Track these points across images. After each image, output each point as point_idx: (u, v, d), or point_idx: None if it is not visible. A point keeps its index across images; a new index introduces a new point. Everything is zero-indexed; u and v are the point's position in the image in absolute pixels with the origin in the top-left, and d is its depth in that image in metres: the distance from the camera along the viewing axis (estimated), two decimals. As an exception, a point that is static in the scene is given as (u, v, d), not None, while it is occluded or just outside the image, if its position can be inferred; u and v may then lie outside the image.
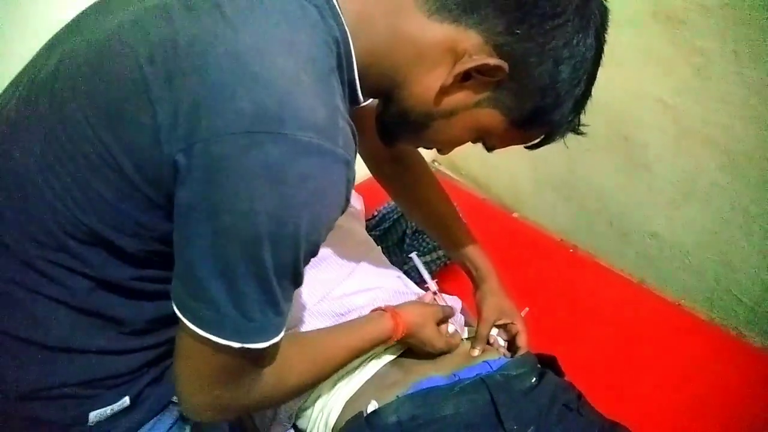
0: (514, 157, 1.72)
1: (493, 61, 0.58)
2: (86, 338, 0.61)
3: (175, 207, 0.53)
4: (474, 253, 1.02)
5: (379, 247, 1.25)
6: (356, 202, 1.43)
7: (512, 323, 0.97)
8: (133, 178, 0.53)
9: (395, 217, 1.43)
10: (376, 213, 1.46)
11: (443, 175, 1.73)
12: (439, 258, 1.36)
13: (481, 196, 1.63)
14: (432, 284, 1.02)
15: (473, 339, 0.94)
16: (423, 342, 0.86)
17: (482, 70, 0.60)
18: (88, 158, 0.54)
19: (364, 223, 1.39)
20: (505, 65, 0.59)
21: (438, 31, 0.60)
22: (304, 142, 0.49)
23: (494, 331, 0.97)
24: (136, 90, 0.52)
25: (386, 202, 1.46)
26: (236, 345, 0.54)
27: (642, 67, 1.21)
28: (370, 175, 1.09)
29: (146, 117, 0.51)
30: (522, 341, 0.96)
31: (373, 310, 0.87)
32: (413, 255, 1.05)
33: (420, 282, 1.32)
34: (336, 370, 0.77)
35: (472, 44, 0.59)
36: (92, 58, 0.56)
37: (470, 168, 1.85)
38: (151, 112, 0.51)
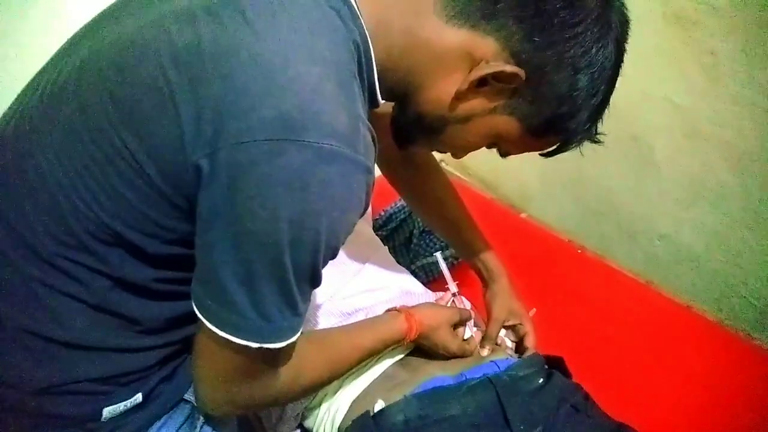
0: (522, 157, 1.71)
1: (510, 68, 0.59)
2: (103, 336, 0.62)
3: (198, 211, 0.54)
4: (485, 253, 1.03)
5: (386, 246, 1.25)
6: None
7: (521, 324, 0.98)
8: (155, 181, 0.54)
9: (402, 216, 1.43)
10: (383, 212, 1.47)
11: (451, 175, 1.71)
12: (446, 258, 1.35)
13: (489, 196, 1.63)
14: (453, 285, 1.01)
15: (482, 338, 0.95)
16: (436, 345, 0.87)
17: (499, 76, 0.60)
18: (111, 160, 0.55)
19: (371, 223, 1.39)
20: (522, 72, 0.59)
21: (455, 37, 0.60)
22: (326, 150, 0.50)
23: (503, 332, 0.98)
24: (160, 94, 0.52)
25: (393, 202, 1.46)
26: (255, 345, 0.55)
27: (651, 67, 1.20)
28: (378, 173, 1.09)
29: (170, 121, 0.52)
30: (530, 342, 0.96)
31: (387, 310, 0.87)
32: (438, 254, 1.04)
33: (428, 282, 1.32)
34: (350, 368, 0.78)
35: (489, 50, 0.60)
36: (115, 61, 0.56)
37: (478, 168, 1.85)
38: (175, 117, 0.52)
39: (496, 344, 0.95)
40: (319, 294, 1.01)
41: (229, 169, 0.50)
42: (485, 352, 0.92)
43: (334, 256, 0.58)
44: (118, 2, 0.65)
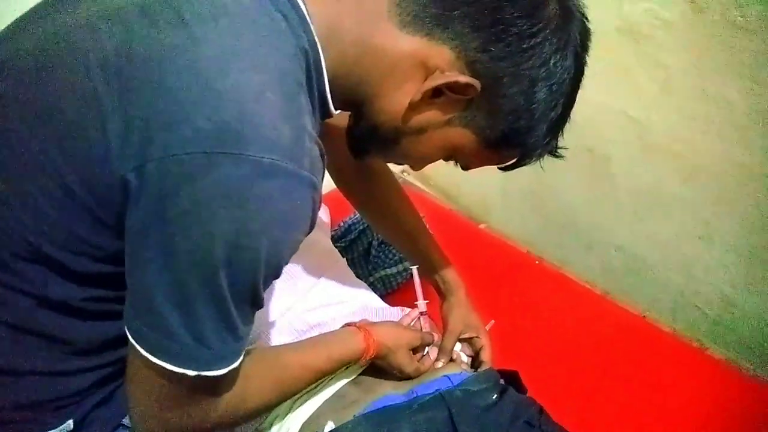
0: (482, 168, 1.72)
1: (464, 78, 0.57)
2: (28, 358, 0.58)
3: (127, 229, 0.50)
4: (441, 265, 1.01)
5: (345, 258, 1.23)
6: (322, 212, 1.40)
7: (477, 337, 0.96)
8: (80, 195, 0.50)
9: (361, 228, 1.41)
10: (342, 224, 1.44)
11: (412, 186, 1.72)
12: (405, 270, 1.34)
13: (449, 207, 1.63)
14: (422, 304, 0.99)
15: (437, 352, 0.93)
16: (391, 365, 0.84)
17: (453, 87, 0.58)
18: (31, 172, 0.51)
19: (329, 234, 1.37)
20: (476, 83, 0.57)
21: (409, 45, 0.58)
22: (266, 164, 0.47)
23: (458, 346, 0.96)
24: (86, 102, 0.49)
25: (352, 213, 1.44)
26: (192, 373, 0.52)
27: (606, 80, 1.22)
28: (334, 186, 1.07)
29: (96, 131, 0.48)
30: (486, 356, 0.95)
31: (345, 325, 0.84)
32: (414, 269, 1.01)
33: (386, 294, 1.31)
34: (302, 389, 0.75)
35: (444, 60, 0.57)
36: (38, 63, 0.53)
37: (439, 178, 1.84)
38: (102, 127, 0.48)
39: (452, 359, 0.93)
40: (273, 309, 0.98)
41: (160, 183, 0.47)
42: (439, 364, 0.90)
43: (277, 275, 0.55)
44: None
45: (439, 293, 1.03)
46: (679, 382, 1.10)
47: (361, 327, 0.81)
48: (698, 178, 1.17)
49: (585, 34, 0.61)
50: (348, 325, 0.84)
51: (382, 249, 1.38)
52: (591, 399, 1.08)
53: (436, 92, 0.59)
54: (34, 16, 0.59)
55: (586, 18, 0.62)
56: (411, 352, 0.86)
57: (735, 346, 1.22)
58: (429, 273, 1.03)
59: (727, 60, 1.02)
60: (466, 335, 0.96)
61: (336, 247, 1.30)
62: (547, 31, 0.57)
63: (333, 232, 1.42)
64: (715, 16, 1.00)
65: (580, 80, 0.63)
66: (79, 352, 0.60)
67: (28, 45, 0.54)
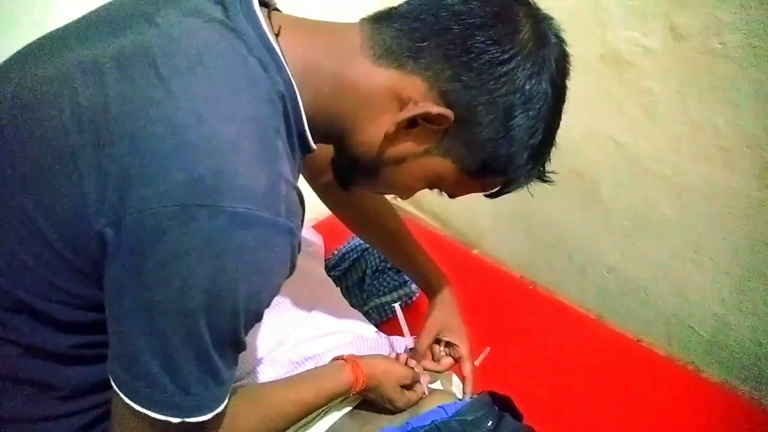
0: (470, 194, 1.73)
1: (436, 109, 0.57)
2: (15, 406, 0.57)
3: (105, 281, 0.50)
4: (427, 267, 1.01)
5: (339, 287, 1.23)
6: (316, 241, 1.41)
7: (456, 345, 0.94)
8: (58, 247, 0.50)
9: (356, 256, 1.42)
10: (336, 252, 1.45)
11: (404, 212, 1.73)
12: (399, 297, 1.34)
13: (442, 233, 1.63)
14: (409, 340, 0.99)
15: (411, 352, 0.91)
16: (383, 399, 0.83)
17: (427, 117, 0.58)
18: (10, 224, 0.51)
19: (323, 263, 1.37)
20: (449, 113, 0.57)
21: (383, 78, 0.58)
22: (241, 214, 0.47)
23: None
24: (61, 157, 0.49)
25: (346, 241, 1.45)
26: (175, 420, 0.51)
27: (592, 106, 1.24)
28: (330, 213, 1.07)
29: (71, 186, 0.49)
30: (467, 370, 0.93)
31: (334, 359, 0.84)
32: (396, 306, 1.01)
33: (381, 323, 1.31)
34: (292, 423, 0.74)
35: (416, 91, 0.57)
36: (16, 115, 0.53)
37: (430, 203, 1.85)
38: (77, 182, 0.48)
39: (435, 370, 0.92)
40: (267, 342, 0.97)
41: (137, 236, 0.47)
42: (413, 363, 0.88)
43: (258, 319, 0.55)
44: (31, 43, 0.60)
45: (426, 294, 1.03)
46: (675, 406, 1.10)
47: (350, 360, 0.81)
48: (687, 201, 1.18)
49: (562, 59, 0.60)
50: (337, 358, 0.83)
51: (377, 277, 1.38)
52: (588, 424, 1.08)
53: (412, 123, 0.59)
54: (12, 65, 0.59)
55: (563, 42, 0.61)
56: (400, 388, 0.85)
57: (730, 367, 1.22)
58: (414, 274, 1.03)
59: (709, 85, 1.04)
60: (445, 337, 0.95)
61: (330, 275, 1.30)
62: (520, 57, 0.56)
63: (327, 261, 1.42)
64: (695, 43, 1.02)
65: (560, 105, 0.62)
66: (67, 396, 0.60)
67: (7, 95, 0.55)
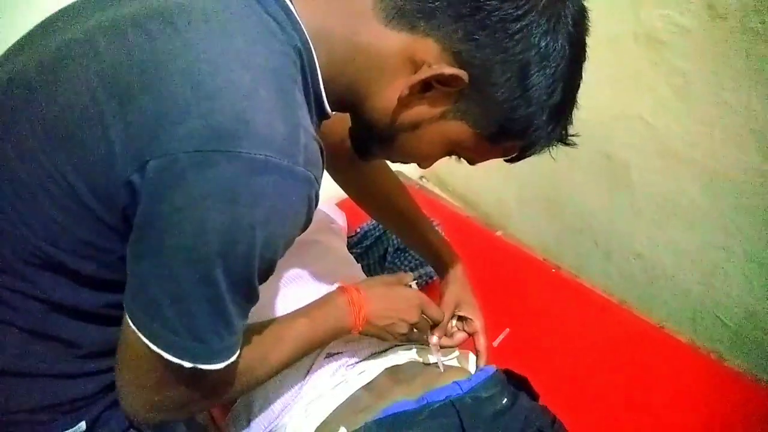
0: (499, 173, 1.72)
1: (450, 70, 0.55)
2: (39, 362, 0.60)
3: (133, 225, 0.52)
4: (438, 244, 1.00)
5: (360, 264, 1.24)
6: (339, 218, 1.41)
7: (470, 319, 0.95)
8: (87, 201, 0.52)
9: (377, 234, 1.42)
10: (358, 230, 1.45)
11: (429, 192, 1.72)
12: (420, 276, 1.34)
13: (466, 214, 1.62)
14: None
15: (433, 327, 0.90)
16: (388, 300, 0.82)
17: (441, 80, 0.57)
18: (40, 181, 0.53)
19: (345, 240, 1.37)
20: (463, 74, 0.56)
21: (395, 41, 0.57)
22: (259, 161, 0.48)
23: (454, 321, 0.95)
24: (88, 112, 0.50)
25: (369, 219, 1.45)
26: (188, 365, 0.53)
27: (623, 86, 1.21)
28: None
29: (99, 139, 0.50)
30: (481, 344, 0.93)
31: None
32: (413, 284, 0.98)
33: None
34: (290, 359, 0.73)
35: (429, 53, 0.56)
36: (42, 78, 0.55)
37: (456, 184, 1.84)
38: (104, 134, 0.50)
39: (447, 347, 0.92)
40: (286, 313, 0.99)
41: (157, 181, 0.48)
42: (434, 339, 0.88)
43: (271, 270, 0.56)
44: (52, 15, 0.62)
45: (437, 271, 1.03)
46: (697, 394, 1.08)
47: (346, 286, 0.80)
48: (717, 186, 1.15)
49: (579, 14, 0.58)
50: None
51: (398, 255, 1.38)
52: (606, 409, 1.07)
53: (426, 86, 0.58)
54: (38, 33, 0.61)
55: None
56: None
57: (756, 358, 1.20)
58: (425, 252, 1.02)
59: (746, 67, 1.00)
60: (461, 312, 0.95)
61: (352, 253, 1.30)
62: (534, 13, 0.54)
63: (349, 238, 1.43)
64: (733, 23, 0.99)
65: (579, 63, 0.60)
66: (91, 355, 0.62)
67: (33, 61, 0.56)
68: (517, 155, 0.66)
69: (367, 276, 1.20)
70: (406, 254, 1.38)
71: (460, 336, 0.95)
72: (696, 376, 1.12)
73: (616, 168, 1.34)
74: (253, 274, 0.53)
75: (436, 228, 1.02)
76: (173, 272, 0.50)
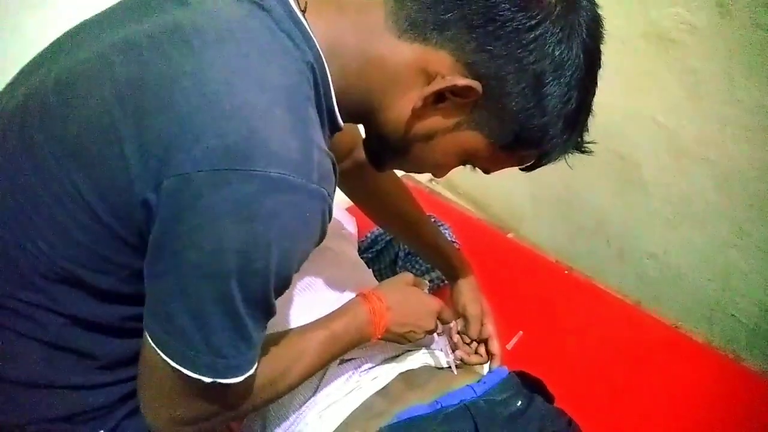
0: (511, 175, 1.71)
1: (463, 81, 0.55)
2: (60, 373, 0.60)
3: (149, 243, 0.52)
4: (448, 250, 1.01)
5: (371, 269, 1.24)
6: (349, 224, 1.41)
7: (484, 325, 0.95)
8: (105, 218, 0.53)
9: (388, 238, 1.42)
10: (368, 235, 1.45)
11: (439, 195, 1.72)
12: (432, 280, 1.34)
13: (477, 217, 1.62)
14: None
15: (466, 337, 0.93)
16: (406, 301, 0.83)
17: (455, 91, 0.57)
18: (59, 199, 0.53)
19: (356, 246, 1.38)
20: (477, 85, 0.56)
21: (408, 52, 0.57)
22: (274, 179, 0.48)
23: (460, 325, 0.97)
24: (105, 131, 0.51)
25: (379, 224, 1.44)
26: (207, 380, 0.53)
27: (634, 86, 1.20)
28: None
29: (116, 157, 0.51)
30: (494, 347, 0.93)
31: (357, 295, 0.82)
32: (426, 288, 1.01)
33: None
34: (311, 370, 0.73)
35: (443, 65, 0.56)
36: (59, 96, 0.55)
37: (467, 187, 1.84)
38: (120, 154, 0.50)
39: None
40: (299, 322, 0.98)
41: (173, 200, 0.49)
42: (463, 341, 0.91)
43: (287, 284, 0.56)
44: (68, 31, 0.63)
45: (447, 278, 1.03)
46: (714, 395, 1.07)
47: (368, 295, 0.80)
48: (731, 185, 1.14)
49: (593, 23, 0.58)
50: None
51: (409, 260, 1.38)
52: (623, 411, 1.06)
53: (440, 97, 0.58)
54: (54, 51, 0.62)
55: (595, 5, 0.58)
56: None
57: (774, 358, 1.18)
58: (436, 259, 1.03)
59: (757, 64, 1.00)
60: (467, 313, 0.96)
61: (362, 258, 1.30)
62: (548, 22, 0.54)
63: (360, 243, 1.43)
64: (744, 19, 0.98)
65: (594, 71, 0.60)
66: (109, 366, 0.63)
67: (50, 80, 0.57)
68: (532, 164, 0.66)
69: (378, 281, 1.20)
70: (417, 258, 1.38)
71: (477, 358, 0.95)
72: (713, 376, 1.11)
73: (628, 168, 1.33)
74: (269, 290, 0.54)
75: (445, 233, 1.02)
76: (191, 290, 0.51)
